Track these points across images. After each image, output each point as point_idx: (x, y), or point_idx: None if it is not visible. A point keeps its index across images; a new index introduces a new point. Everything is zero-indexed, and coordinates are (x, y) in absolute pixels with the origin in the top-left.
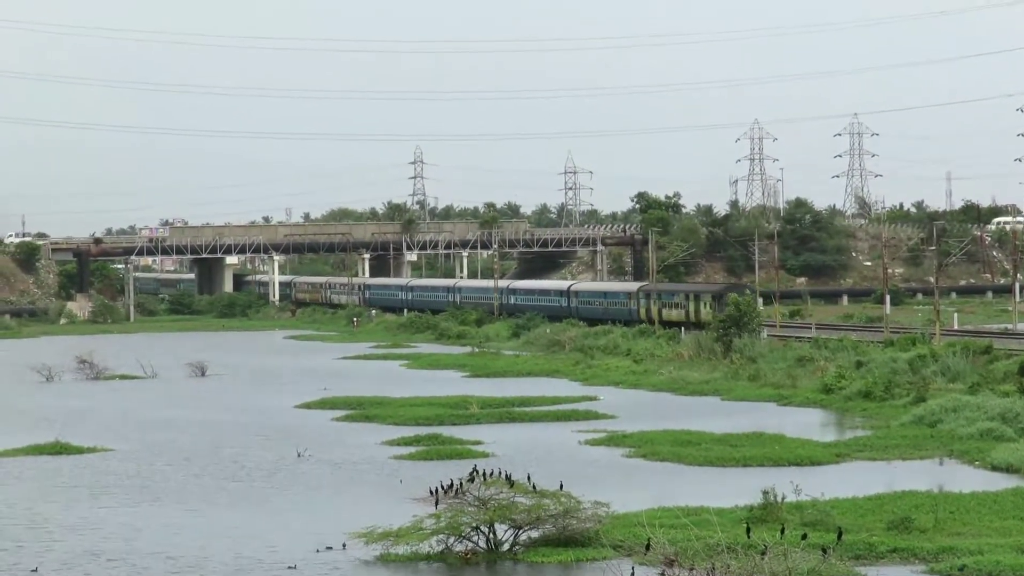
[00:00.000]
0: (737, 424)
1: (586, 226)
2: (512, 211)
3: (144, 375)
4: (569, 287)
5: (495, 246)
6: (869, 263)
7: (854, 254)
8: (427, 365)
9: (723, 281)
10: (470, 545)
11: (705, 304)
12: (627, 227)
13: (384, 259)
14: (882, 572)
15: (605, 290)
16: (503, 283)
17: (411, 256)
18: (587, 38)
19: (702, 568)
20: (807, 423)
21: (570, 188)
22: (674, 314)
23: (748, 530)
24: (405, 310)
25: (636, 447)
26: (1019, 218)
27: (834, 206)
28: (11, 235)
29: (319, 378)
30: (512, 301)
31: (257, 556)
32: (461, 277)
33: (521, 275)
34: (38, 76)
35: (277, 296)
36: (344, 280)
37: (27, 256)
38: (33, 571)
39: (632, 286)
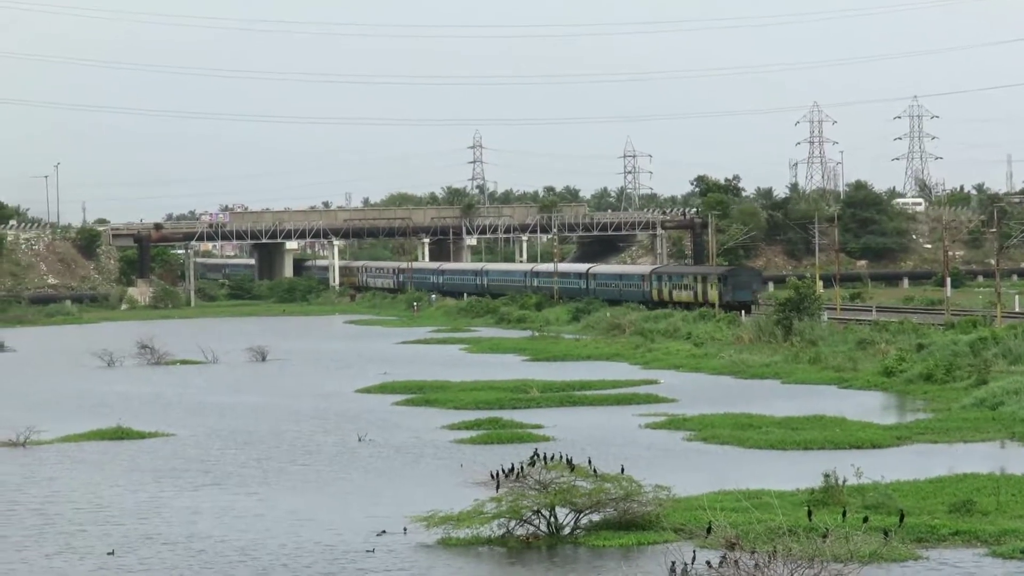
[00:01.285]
0: (798, 407)
1: (645, 210)
2: (571, 195)
3: (205, 360)
4: (588, 270)
5: (555, 230)
6: (929, 246)
7: (914, 237)
8: (487, 349)
9: (789, 267)
10: (531, 529)
11: (712, 285)
12: (687, 210)
13: (444, 243)
14: (944, 555)
15: (621, 272)
16: (526, 267)
17: (471, 240)
18: (647, 21)
19: (763, 551)
20: (868, 406)
21: (629, 172)
22: (684, 295)
23: (809, 513)
24: (434, 294)
25: (696, 430)
26: None
27: (894, 188)
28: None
29: (379, 363)
30: (535, 283)
31: (316, 539)
32: (521, 260)
33: (580, 259)
34: (100, 63)
35: (337, 280)
36: (380, 264)
37: (88, 242)
38: (109, 553)
39: (645, 269)
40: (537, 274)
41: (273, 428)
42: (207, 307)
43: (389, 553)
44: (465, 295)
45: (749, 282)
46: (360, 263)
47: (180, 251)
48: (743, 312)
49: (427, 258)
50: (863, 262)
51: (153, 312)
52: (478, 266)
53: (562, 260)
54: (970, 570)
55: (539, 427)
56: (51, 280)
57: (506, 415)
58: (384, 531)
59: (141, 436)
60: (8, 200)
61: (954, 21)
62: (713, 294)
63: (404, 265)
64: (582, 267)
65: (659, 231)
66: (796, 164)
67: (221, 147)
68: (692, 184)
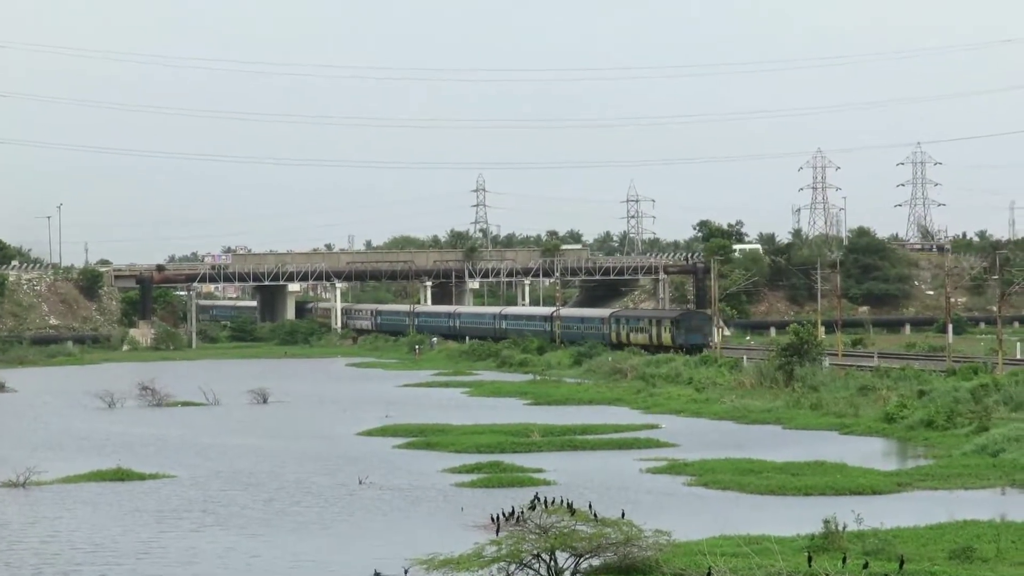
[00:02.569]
0: (799, 453)
1: (648, 254)
2: (574, 239)
3: (206, 402)
4: (552, 313)
5: (557, 274)
6: (932, 292)
7: (916, 283)
8: (489, 393)
9: (791, 312)
10: (531, 573)
11: (665, 328)
12: (689, 255)
13: (446, 287)
14: None
15: (583, 316)
16: (495, 309)
17: (473, 284)
18: (650, 67)
19: None
20: (869, 452)
21: (632, 216)
22: (640, 337)
23: (809, 559)
24: (435, 337)
25: (697, 475)
26: None
27: (897, 235)
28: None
29: (381, 406)
30: (503, 326)
31: None
32: (524, 304)
33: (583, 303)
34: (103, 104)
35: (339, 323)
36: (361, 306)
37: (90, 283)
38: None
39: (605, 312)
40: (505, 316)
41: (274, 470)
42: (209, 349)
43: None
44: (431, 337)
45: (701, 326)
46: (346, 305)
47: (182, 292)
48: (699, 352)
49: (429, 301)
50: (865, 308)
51: (155, 353)
52: (451, 309)
53: (564, 304)
54: None
55: (540, 471)
56: (53, 321)
57: (507, 459)
58: (378, 573)
59: (141, 477)
60: (10, 240)
61: (957, 67)
62: (667, 337)
63: (382, 308)
64: (547, 310)
65: (661, 276)
66: (799, 209)
67: (224, 189)
68: (695, 229)
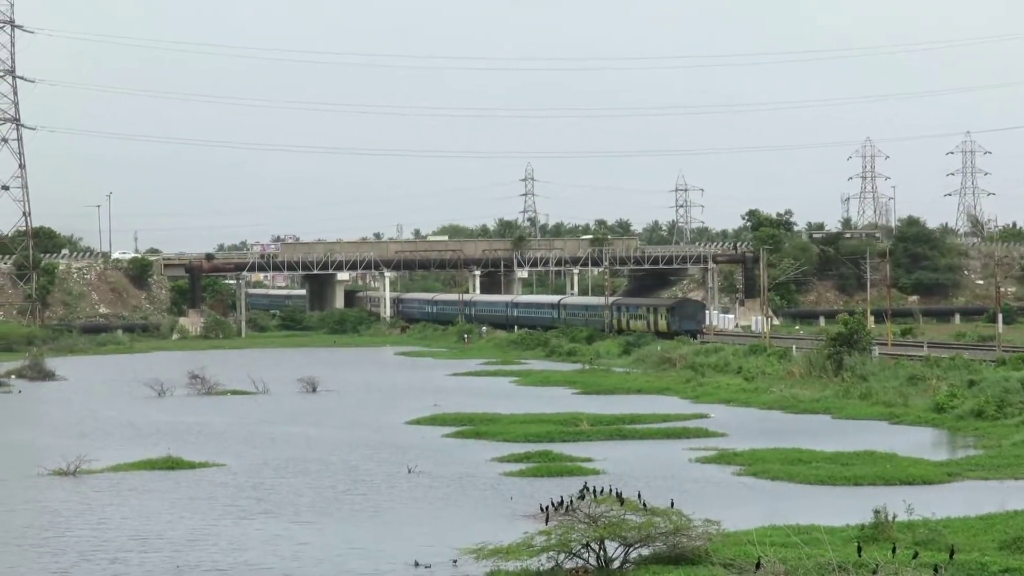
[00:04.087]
0: (848, 442)
1: (697, 244)
2: (623, 228)
3: (255, 391)
4: (559, 301)
5: (605, 263)
6: (981, 282)
7: (966, 272)
8: (537, 382)
9: (840, 302)
10: (580, 562)
11: (661, 316)
12: (738, 245)
13: (495, 276)
14: None
15: (586, 303)
16: (507, 298)
17: (522, 273)
18: (701, 55)
19: None
20: (919, 442)
21: (681, 206)
22: (638, 324)
23: (859, 549)
24: (484, 327)
25: (746, 465)
26: None
27: (946, 224)
28: (121, 252)
29: (430, 394)
30: (514, 313)
31: (363, 569)
32: (572, 294)
33: (632, 292)
34: (153, 92)
35: (388, 312)
36: (411, 296)
37: (140, 272)
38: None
39: (607, 300)
40: (516, 304)
41: (323, 458)
42: (258, 338)
43: None
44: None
45: (694, 313)
46: (417, 295)
47: (231, 281)
48: (693, 337)
49: (478, 290)
50: (914, 298)
51: (204, 342)
52: (468, 297)
53: (613, 293)
54: None
55: (589, 460)
56: (103, 310)
57: (556, 448)
58: (418, 563)
59: (191, 466)
60: (60, 229)
61: (1007, 56)
62: (662, 323)
63: (405, 296)
64: (554, 298)
65: (710, 265)
66: (848, 199)
67: (274, 178)
68: (744, 218)
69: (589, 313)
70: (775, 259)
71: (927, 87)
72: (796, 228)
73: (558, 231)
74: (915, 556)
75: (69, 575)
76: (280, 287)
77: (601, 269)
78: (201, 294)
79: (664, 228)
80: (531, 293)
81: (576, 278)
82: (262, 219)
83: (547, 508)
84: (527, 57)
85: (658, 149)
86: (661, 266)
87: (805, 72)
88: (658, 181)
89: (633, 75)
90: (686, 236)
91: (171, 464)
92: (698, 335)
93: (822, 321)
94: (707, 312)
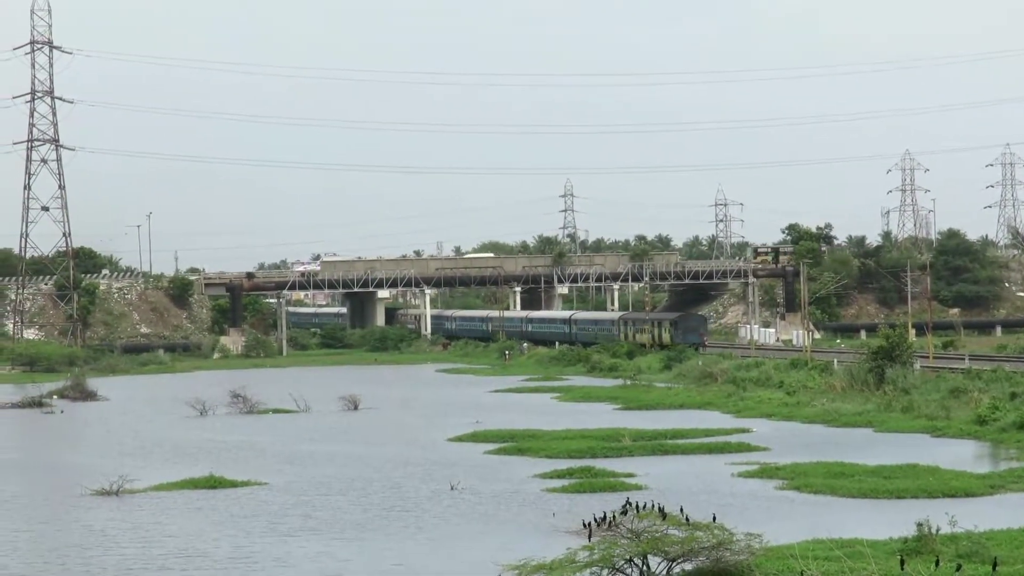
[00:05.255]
0: (890, 456)
1: (737, 258)
2: (663, 243)
3: (297, 409)
4: (570, 316)
5: (646, 278)
6: (1023, 294)
7: (1007, 284)
8: (579, 398)
9: (881, 315)
10: None
11: (665, 329)
12: (779, 251)
13: (535, 292)
14: None
15: (596, 318)
16: (521, 314)
17: (562, 289)
18: (738, 70)
19: None
20: (961, 455)
21: (721, 220)
22: (644, 337)
23: (902, 562)
24: (526, 343)
25: (789, 479)
26: None
27: (986, 236)
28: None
29: (471, 411)
30: (528, 329)
31: None
32: (613, 309)
33: (672, 307)
34: (190, 112)
35: (429, 329)
36: (451, 312)
37: (180, 291)
38: None
39: (615, 315)
40: (531, 320)
41: (366, 476)
42: (299, 356)
43: None
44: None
45: (696, 327)
46: (459, 312)
47: (272, 300)
48: (696, 349)
49: (519, 306)
50: (955, 310)
51: (245, 361)
52: (483, 313)
53: (653, 309)
54: None
55: (631, 476)
56: (144, 329)
57: (598, 464)
58: None
59: (234, 484)
60: (99, 250)
61: None
62: (666, 337)
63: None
64: (565, 314)
65: (751, 280)
66: (888, 212)
67: (313, 196)
68: (784, 232)
69: (599, 328)
70: (815, 273)
71: (967, 99)
72: (836, 241)
73: (598, 247)
74: (958, 568)
75: None
76: (321, 305)
77: (641, 284)
78: (242, 313)
79: (704, 243)
80: (571, 309)
81: (616, 294)
82: (302, 237)
83: (590, 524)
84: (564, 73)
85: (698, 164)
86: (701, 281)
87: (845, 85)
88: (698, 196)
89: (672, 90)
90: (726, 251)
91: (213, 483)
92: (700, 347)
93: (863, 334)
94: (708, 324)
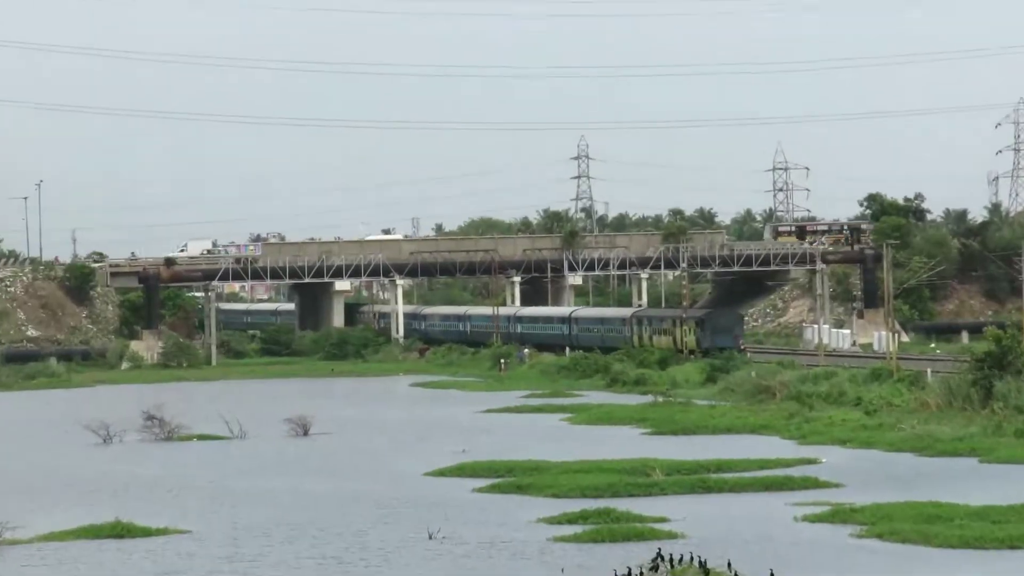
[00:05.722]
0: (1001, 493)
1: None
2: (705, 219)
3: (230, 435)
4: (571, 313)
5: (683, 265)
6: None
7: None
8: (596, 419)
9: (989, 311)
10: None
11: (688, 330)
12: (854, 238)
13: (539, 283)
14: None
15: (602, 316)
16: (510, 310)
17: (574, 279)
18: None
19: None
20: None
21: (780, 189)
22: (663, 340)
23: None
24: (527, 348)
25: (869, 524)
26: None
27: None
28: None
29: (456, 437)
30: (518, 330)
31: None
32: (640, 305)
33: (716, 302)
34: (85, 49)
35: (401, 332)
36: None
37: (79, 283)
38: None
39: (626, 312)
40: (521, 319)
41: (319, 521)
42: (233, 366)
43: None
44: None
45: (730, 327)
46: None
47: (198, 294)
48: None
49: (518, 301)
50: None
51: (163, 372)
52: (461, 310)
53: (693, 304)
54: None
55: (663, 520)
56: (31, 332)
57: (621, 504)
58: None
59: (147, 533)
60: None
61: None
62: (690, 339)
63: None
64: (564, 310)
65: (819, 266)
66: (997, 179)
67: (252, 159)
68: (861, 205)
69: (605, 328)
70: (903, 257)
71: None
72: (930, 217)
73: (621, 224)
74: None
75: None
76: (262, 300)
77: (677, 273)
78: (159, 311)
79: (759, 218)
80: (585, 303)
81: (645, 285)
82: (238, 212)
83: None
84: (579, 1)
85: (751, 117)
86: (755, 268)
87: (938, 17)
88: (751, 158)
89: (717, 22)
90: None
91: (121, 531)
92: (735, 352)
93: (965, 337)
94: (744, 324)
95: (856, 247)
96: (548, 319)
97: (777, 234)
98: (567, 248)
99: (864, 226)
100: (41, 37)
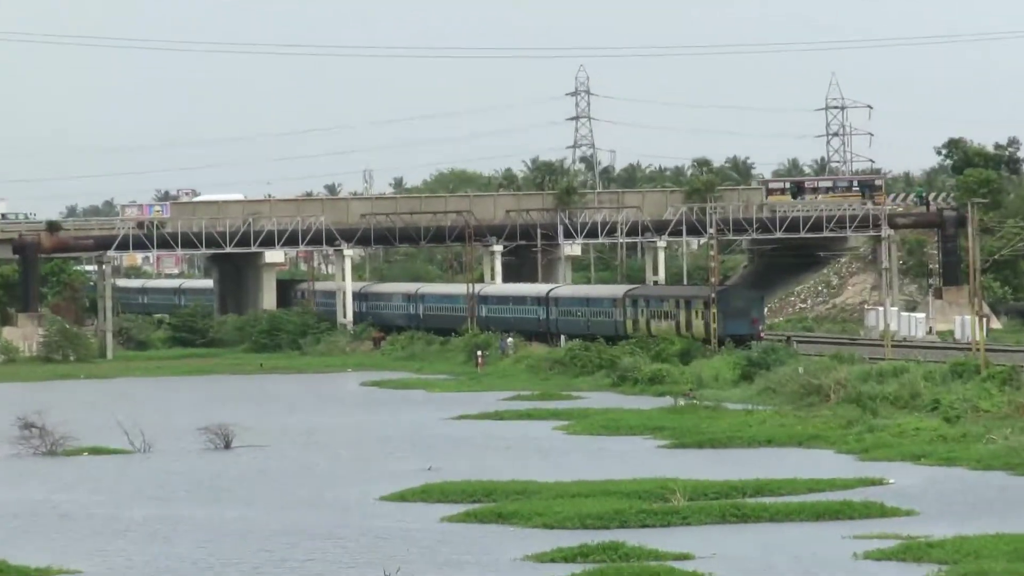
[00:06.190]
0: None
1: (894, 196)
2: (739, 171)
3: (130, 448)
4: (548, 293)
5: (711, 230)
6: None
7: None
8: (600, 428)
9: None
10: None
11: (696, 312)
12: (930, 197)
13: (527, 253)
14: None
15: (587, 296)
16: (462, 288)
17: (571, 248)
18: None
19: None
20: None
21: (835, 134)
22: (663, 326)
23: None
24: (510, 337)
25: (949, 563)
26: None
27: None
28: None
29: (421, 452)
30: (482, 313)
31: None
32: (655, 280)
33: (755, 276)
34: None
35: (350, 316)
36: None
37: None
38: None
39: (617, 291)
40: (485, 298)
41: (242, 558)
42: (134, 359)
43: None
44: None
45: (746, 308)
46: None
47: (90, 268)
48: (743, 345)
49: (499, 276)
50: None
51: (44, 368)
52: (411, 288)
53: (724, 280)
54: None
55: (686, 558)
56: None
57: (632, 537)
58: None
59: (24, 574)
60: None
61: None
62: (698, 324)
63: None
64: (539, 288)
65: (886, 231)
66: None
67: (160, 90)
68: (939, 153)
69: (591, 311)
70: (992, 220)
71: None
72: None
73: (631, 178)
74: None
75: None
76: (171, 276)
77: (704, 240)
78: (39, 289)
79: (808, 170)
80: (586, 278)
81: (662, 256)
82: (141, 162)
83: None
84: None
85: (791, 40)
86: (803, 234)
87: None
88: (798, 94)
89: None
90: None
91: None
92: (751, 341)
93: None
94: (764, 306)
95: (932, 208)
96: (520, 299)
97: (769, 192)
98: (562, 209)
99: (877, 181)
100: None
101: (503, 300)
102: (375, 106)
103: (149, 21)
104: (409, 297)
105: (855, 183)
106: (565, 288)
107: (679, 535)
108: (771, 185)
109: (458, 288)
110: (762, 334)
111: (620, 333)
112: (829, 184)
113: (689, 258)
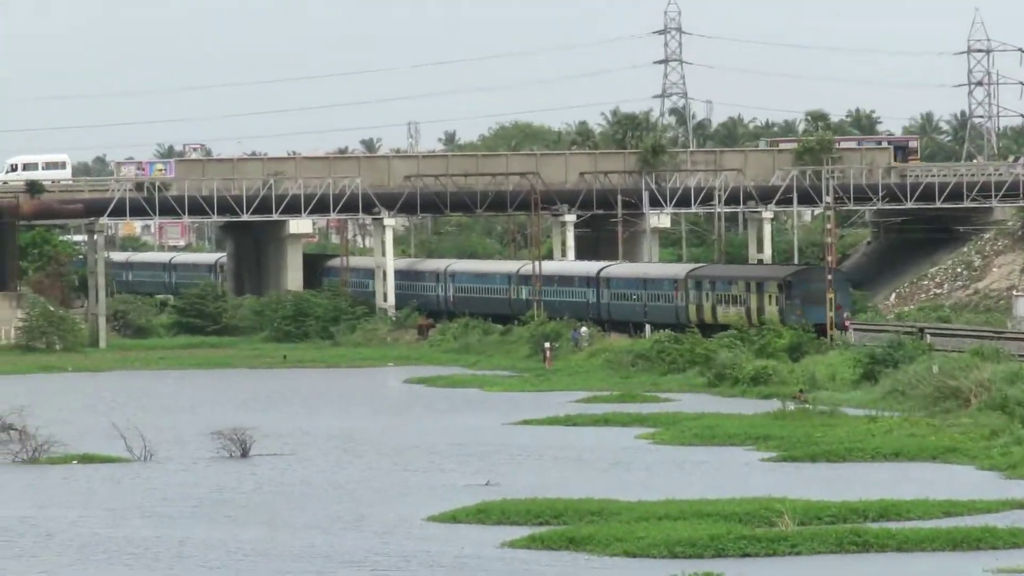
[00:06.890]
0: None
1: (1011, 158)
2: (862, 129)
3: (128, 455)
4: (599, 272)
5: (828, 198)
6: None
7: None
8: (692, 438)
9: None
10: None
11: (769, 297)
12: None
13: (605, 225)
14: None
15: (645, 276)
16: (511, 266)
17: (659, 219)
18: None
19: None
20: None
21: (978, 83)
22: (731, 313)
23: None
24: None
25: None
26: None
27: None
28: None
29: (475, 464)
30: (521, 295)
31: None
32: (760, 259)
33: (879, 253)
34: None
35: (392, 299)
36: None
37: None
38: None
39: (679, 270)
40: (525, 278)
41: None
42: (132, 348)
43: None
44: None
45: (825, 292)
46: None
47: (79, 238)
48: (823, 335)
49: (571, 253)
50: None
51: (24, 359)
52: (442, 267)
53: (843, 259)
54: None
55: None
56: None
57: (730, 568)
58: None
59: None
60: None
61: None
62: (771, 311)
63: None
64: (591, 267)
65: None
66: None
67: (165, 36)
68: None
69: (649, 294)
70: None
71: None
72: None
73: (731, 133)
74: None
75: None
76: (176, 248)
77: (819, 211)
78: (18, 264)
79: (946, 127)
80: (676, 253)
81: (769, 228)
82: (142, 112)
83: None
84: None
85: None
86: (940, 204)
87: None
88: (931, 32)
89: None
90: (990, 145)
91: None
92: (834, 332)
93: None
94: (850, 291)
95: None
96: (566, 279)
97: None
98: (648, 171)
99: (912, 143)
100: None
101: (547, 281)
102: (422, 46)
103: None
104: (437, 276)
105: (884, 142)
106: (620, 266)
107: (787, 566)
108: (780, 143)
109: (496, 266)
110: (848, 323)
111: (682, 320)
112: (853, 145)
113: (801, 232)
